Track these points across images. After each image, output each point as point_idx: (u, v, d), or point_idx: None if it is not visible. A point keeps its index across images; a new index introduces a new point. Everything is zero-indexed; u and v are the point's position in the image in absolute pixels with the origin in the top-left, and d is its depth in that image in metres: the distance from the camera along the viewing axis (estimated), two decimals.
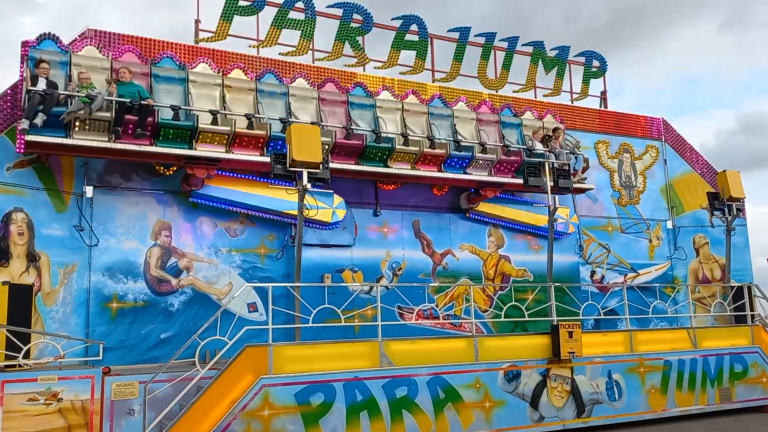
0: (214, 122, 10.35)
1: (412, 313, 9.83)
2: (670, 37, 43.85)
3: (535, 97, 15.47)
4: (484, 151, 12.22)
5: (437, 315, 10.41)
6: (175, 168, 10.82)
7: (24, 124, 9.18)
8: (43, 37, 9.90)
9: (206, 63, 10.94)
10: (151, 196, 11.08)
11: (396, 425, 8.90)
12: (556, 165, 11.11)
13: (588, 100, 16.20)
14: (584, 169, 13.39)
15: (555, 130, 13.35)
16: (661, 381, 11.03)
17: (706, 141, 43.77)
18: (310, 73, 12.05)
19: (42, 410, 7.73)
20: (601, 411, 10.41)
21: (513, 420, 9.68)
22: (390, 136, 11.49)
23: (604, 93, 16.60)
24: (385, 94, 12.32)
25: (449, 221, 13.22)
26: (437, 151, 11.54)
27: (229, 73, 11.07)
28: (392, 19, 13.87)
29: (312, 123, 10.86)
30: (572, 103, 15.87)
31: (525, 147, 12.60)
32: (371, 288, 11.34)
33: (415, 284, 11.02)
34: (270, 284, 9.49)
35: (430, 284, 11.82)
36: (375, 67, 13.71)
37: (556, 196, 10.77)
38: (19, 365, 8.13)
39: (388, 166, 10.97)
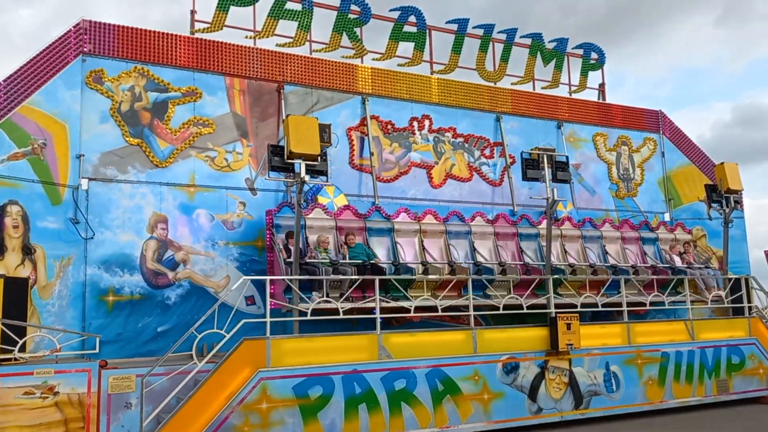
0: (425, 271, 11.02)
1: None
2: (668, 30, 43.85)
3: (534, 89, 15.42)
4: (636, 272, 12.60)
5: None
6: None
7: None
8: (282, 205, 10.88)
9: (406, 213, 11.82)
10: (147, 188, 11.02)
11: (395, 418, 8.90)
12: (556, 159, 11.09)
13: (586, 92, 16.15)
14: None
15: (686, 243, 13.96)
16: (658, 373, 11.06)
17: (704, 133, 43.84)
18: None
19: (38, 404, 7.69)
20: (598, 402, 10.43)
21: (511, 412, 9.70)
22: (560, 267, 12.08)
23: (602, 85, 16.55)
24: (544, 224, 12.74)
25: None
26: (600, 276, 12.08)
27: (423, 219, 11.89)
28: (390, 10, 13.79)
29: (499, 263, 11.78)
30: (570, 95, 15.82)
31: (669, 266, 13.15)
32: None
33: (414, 277, 10.99)
34: (268, 277, 9.44)
35: (429, 278, 11.79)
36: (373, 59, 13.64)
37: (555, 188, 10.75)
38: (15, 359, 8.07)
39: (559, 294, 11.34)
